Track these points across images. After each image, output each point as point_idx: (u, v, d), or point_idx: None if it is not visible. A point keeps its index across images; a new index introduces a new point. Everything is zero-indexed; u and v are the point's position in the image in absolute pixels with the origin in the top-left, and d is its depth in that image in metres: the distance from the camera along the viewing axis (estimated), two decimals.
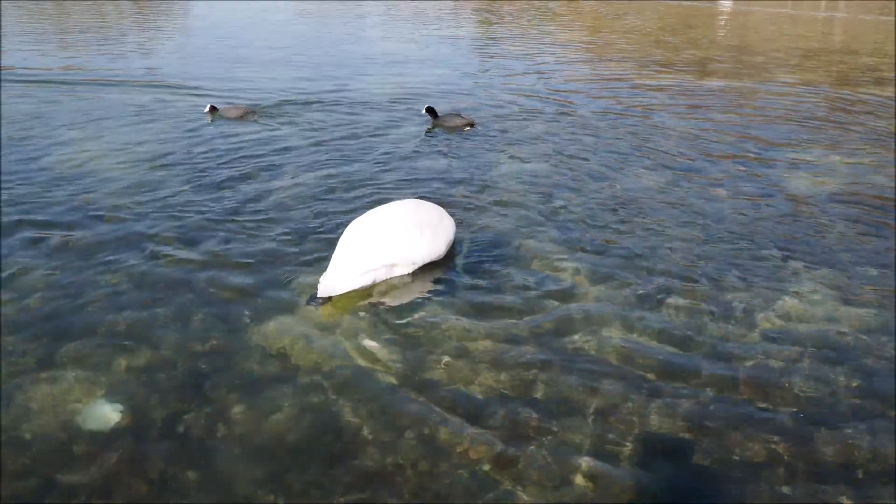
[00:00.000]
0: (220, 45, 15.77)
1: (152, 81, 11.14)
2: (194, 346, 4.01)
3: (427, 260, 4.85)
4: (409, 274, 4.81)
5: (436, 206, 5.19)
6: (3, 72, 11.28)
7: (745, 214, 6.07)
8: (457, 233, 5.14)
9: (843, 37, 21.07)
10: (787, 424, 3.53)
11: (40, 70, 11.82)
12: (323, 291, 4.46)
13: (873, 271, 5.12)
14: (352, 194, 6.35)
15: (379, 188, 6.51)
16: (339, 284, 4.51)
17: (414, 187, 6.58)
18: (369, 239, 4.66)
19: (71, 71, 11.87)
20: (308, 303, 4.47)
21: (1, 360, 3.82)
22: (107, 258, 4.97)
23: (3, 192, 6.13)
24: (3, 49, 13.83)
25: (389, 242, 4.67)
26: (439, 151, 7.72)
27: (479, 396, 3.67)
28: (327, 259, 4.73)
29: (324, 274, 4.57)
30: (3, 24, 17.71)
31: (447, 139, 8.21)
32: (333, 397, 3.63)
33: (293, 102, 9.88)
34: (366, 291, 4.60)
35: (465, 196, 6.34)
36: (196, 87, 10.73)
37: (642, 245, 5.42)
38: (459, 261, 5.10)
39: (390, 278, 4.74)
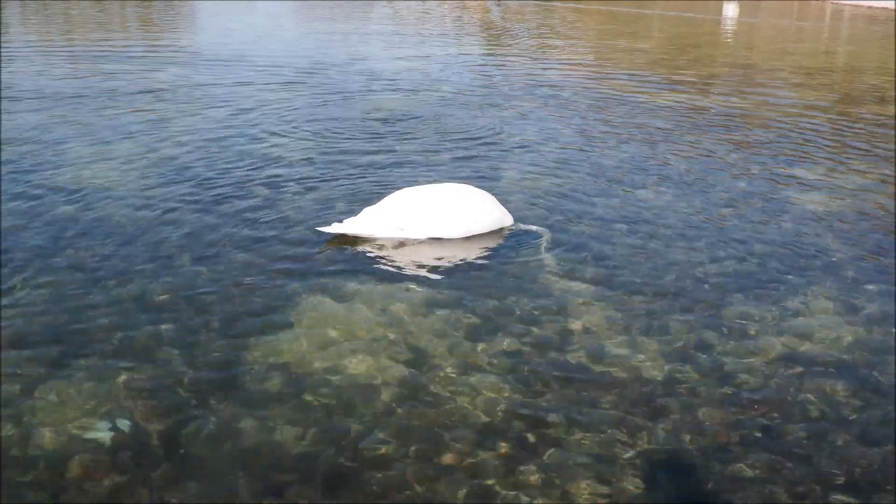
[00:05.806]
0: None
1: None
2: (197, 360, 4.02)
3: (434, 235, 5.50)
4: (421, 269, 5.14)
5: (485, 195, 5.79)
6: None
7: (749, 233, 6.07)
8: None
9: (848, 54, 21.15)
10: (793, 444, 3.53)
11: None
12: (329, 227, 5.34)
13: (878, 289, 5.12)
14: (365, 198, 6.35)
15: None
16: (345, 224, 5.37)
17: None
18: (389, 200, 5.53)
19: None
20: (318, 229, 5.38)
21: (3, 375, 3.82)
22: (109, 272, 4.99)
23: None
24: None
25: (402, 206, 5.44)
26: (437, 160, 7.75)
27: (483, 410, 3.68)
28: (337, 272, 4.96)
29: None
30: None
31: (450, 148, 8.23)
32: (338, 412, 3.64)
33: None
34: (378, 302, 4.64)
35: None
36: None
37: (646, 262, 5.43)
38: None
39: (400, 239, 5.45)
